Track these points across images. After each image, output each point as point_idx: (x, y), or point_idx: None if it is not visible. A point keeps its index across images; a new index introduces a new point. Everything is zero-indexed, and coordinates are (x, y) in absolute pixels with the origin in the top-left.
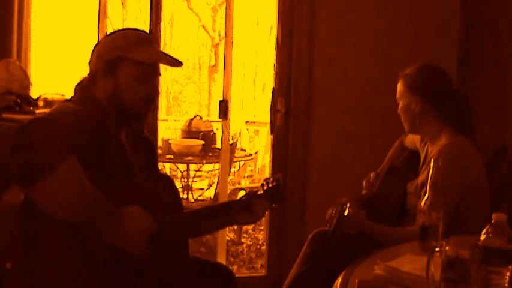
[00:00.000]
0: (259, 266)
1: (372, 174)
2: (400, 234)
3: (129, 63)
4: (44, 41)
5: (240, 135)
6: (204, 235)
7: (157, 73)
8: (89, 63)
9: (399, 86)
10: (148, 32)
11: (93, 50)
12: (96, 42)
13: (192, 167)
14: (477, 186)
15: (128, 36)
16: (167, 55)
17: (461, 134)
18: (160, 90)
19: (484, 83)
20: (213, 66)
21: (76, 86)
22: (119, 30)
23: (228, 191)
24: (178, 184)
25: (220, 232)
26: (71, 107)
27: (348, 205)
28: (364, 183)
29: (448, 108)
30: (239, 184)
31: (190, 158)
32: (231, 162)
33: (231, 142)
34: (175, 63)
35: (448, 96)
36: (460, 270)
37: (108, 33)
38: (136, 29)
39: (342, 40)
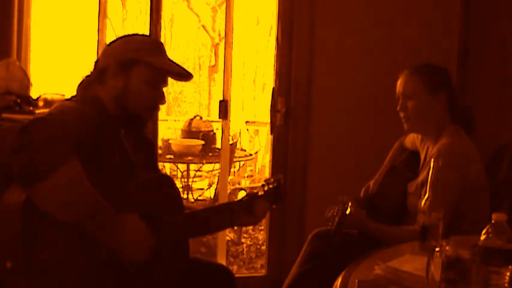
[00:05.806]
0: (259, 266)
1: (371, 183)
2: (401, 234)
3: (144, 67)
4: (44, 41)
5: (240, 135)
6: (204, 236)
7: (166, 81)
8: (97, 62)
9: (411, 84)
10: (148, 32)
11: (104, 50)
12: (108, 43)
13: (192, 167)
14: (477, 185)
15: (144, 41)
16: (180, 66)
17: (466, 131)
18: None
19: (484, 82)
20: (213, 66)
21: (79, 85)
22: (132, 35)
23: (228, 191)
24: (178, 184)
25: (220, 232)
26: (72, 107)
27: (350, 204)
28: (362, 192)
29: (458, 105)
30: (239, 184)
31: (190, 158)
32: (231, 162)
33: (231, 142)
34: (186, 74)
35: (456, 94)
36: (460, 270)
37: (121, 36)
38: (150, 36)
39: (342, 40)
